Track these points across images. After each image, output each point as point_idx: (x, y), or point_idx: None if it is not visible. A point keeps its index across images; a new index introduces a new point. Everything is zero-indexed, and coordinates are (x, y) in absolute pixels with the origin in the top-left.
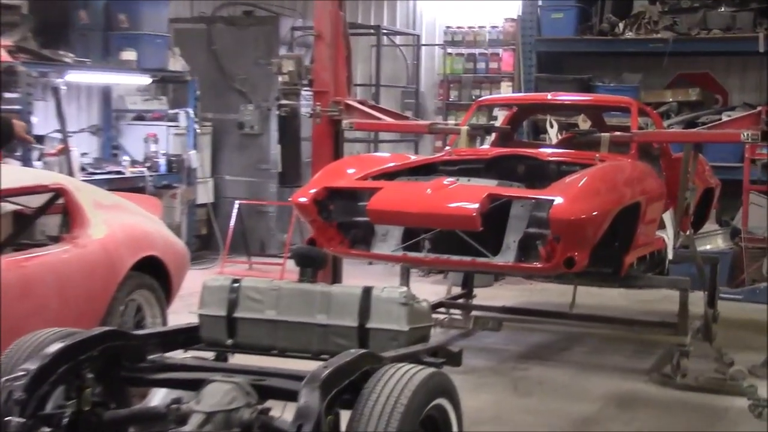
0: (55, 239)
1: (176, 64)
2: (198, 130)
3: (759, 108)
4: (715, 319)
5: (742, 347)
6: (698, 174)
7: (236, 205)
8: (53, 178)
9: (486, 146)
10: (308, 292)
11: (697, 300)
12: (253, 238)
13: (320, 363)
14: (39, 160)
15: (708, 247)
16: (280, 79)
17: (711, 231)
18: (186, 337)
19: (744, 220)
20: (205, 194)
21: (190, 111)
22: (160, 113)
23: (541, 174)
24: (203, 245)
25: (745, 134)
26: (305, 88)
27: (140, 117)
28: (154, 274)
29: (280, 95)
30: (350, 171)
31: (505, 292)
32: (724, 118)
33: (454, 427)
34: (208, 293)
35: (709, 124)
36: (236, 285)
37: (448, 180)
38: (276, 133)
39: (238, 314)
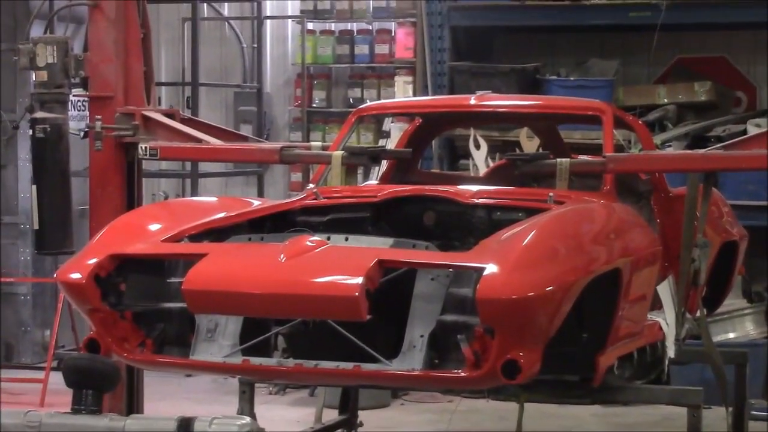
0: None
1: None
2: None
3: None
4: None
5: None
6: (711, 220)
7: None
8: None
9: (373, 182)
10: (88, 429)
11: (717, 421)
12: None
13: None
14: None
15: (732, 335)
16: (33, 77)
17: (735, 310)
18: None
19: None
20: None
21: None
22: None
23: (462, 226)
24: None
25: None
26: (75, 92)
27: None
28: None
29: (34, 104)
30: (153, 227)
31: (409, 416)
32: (751, 129)
33: None
34: None
35: (728, 141)
36: None
37: (313, 239)
38: (29, 165)
39: None
